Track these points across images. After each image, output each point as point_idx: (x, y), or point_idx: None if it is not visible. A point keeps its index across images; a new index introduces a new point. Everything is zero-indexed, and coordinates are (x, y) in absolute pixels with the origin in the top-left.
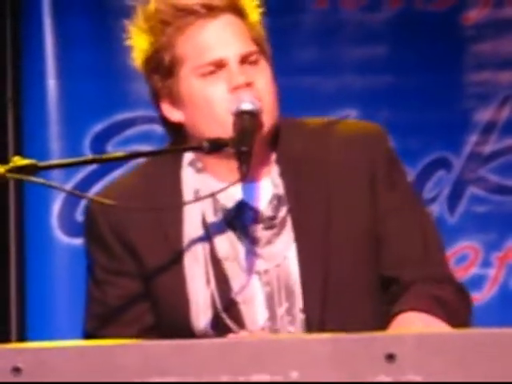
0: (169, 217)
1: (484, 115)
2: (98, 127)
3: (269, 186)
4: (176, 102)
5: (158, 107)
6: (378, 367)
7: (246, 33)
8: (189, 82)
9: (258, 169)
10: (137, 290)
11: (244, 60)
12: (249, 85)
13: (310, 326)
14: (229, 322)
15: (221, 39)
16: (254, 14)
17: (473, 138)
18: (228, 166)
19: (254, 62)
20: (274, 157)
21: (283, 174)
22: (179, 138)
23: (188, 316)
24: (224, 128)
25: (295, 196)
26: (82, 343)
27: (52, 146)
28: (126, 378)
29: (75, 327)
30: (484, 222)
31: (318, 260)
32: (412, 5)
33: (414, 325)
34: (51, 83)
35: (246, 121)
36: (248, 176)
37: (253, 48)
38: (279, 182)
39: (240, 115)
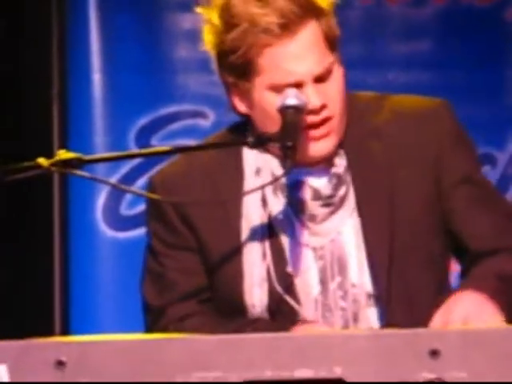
0: (229, 193)
1: None
2: (143, 121)
3: (329, 164)
4: (246, 100)
5: (227, 94)
6: (422, 363)
7: (323, 40)
8: (263, 93)
9: (321, 146)
10: (195, 263)
11: (319, 79)
12: (324, 106)
13: (378, 299)
14: (285, 296)
15: (299, 61)
16: (329, 7)
17: None
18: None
19: (328, 78)
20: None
21: (347, 149)
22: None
23: (241, 289)
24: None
25: (359, 172)
26: (126, 337)
27: (97, 139)
28: (170, 373)
29: (119, 321)
30: None
31: (383, 235)
32: (457, 0)
33: (464, 308)
34: (96, 77)
35: (291, 116)
36: (313, 161)
37: (328, 61)
38: (340, 160)
39: (284, 110)
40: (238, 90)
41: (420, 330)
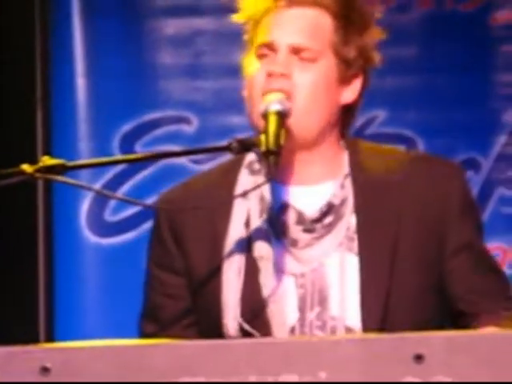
0: (219, 216)
1: None
2: (127, 127)
3: (327, 192)
4: (245, 78)
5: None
6: (407, 368)
7: (324, 32)
8: (250, 59)
9: (317, 174)
10: (180, 287)
11: (296, 52)
12: (284, 75)
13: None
14: (254, 320)
15: (282, 26)
16: (357, 19)
17: (501, 139)
18: (284, 168)
19: (310, 60)
20: (344, 168)
21: (356, 188)
22: None
23: (219, 314)
24: (255, 111)
25: (365, 212)
26: (111, 343)
27: (81, 145)
28: (155, 379)
29: (104, 327)
30: None
31: (380, 283)
32: (441, 5)
33: None
34: (80, 83)
35: (274, 122)
36: (304, 179)
37: (314, 45)
38: (340, 192)
39: (268, 116)
40: (244, 68)
41: (405, 335)
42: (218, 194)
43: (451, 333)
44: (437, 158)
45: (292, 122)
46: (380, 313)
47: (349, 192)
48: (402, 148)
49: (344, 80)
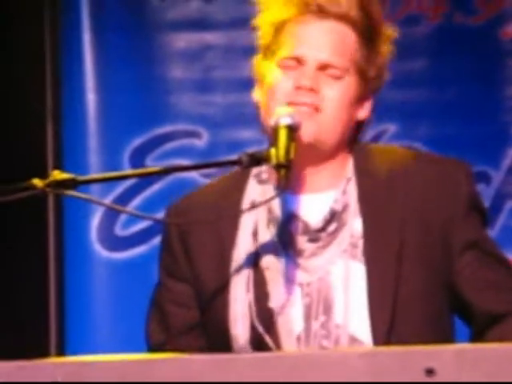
0: (226, 226)
1: None
2: (137, 141)
3: (329, 200)
4: (260, 83)
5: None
6: (418, 382)
7: (350, 49)
8: (270, 68)
9: (322, 182)
10: (189, 297)
11: (323, 68)
12: (312, 90)
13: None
14: (263, 331)
15: (312, 41)
16: (378, 38)
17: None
18: (292, 179)
19: (336, 77)
20: (347, 172)
21: (360, 192)
22: None
23: (227, 324)
24: (270, 119)
25: (370, 216)
26: (121, 358)
27: (91, 160)
28: None
29: (114, 341)
30: None
31: (388, 290)
32: (451, 19)
33: None
34: (90, 97)
35: (284, 135)
36: (310, 188)
37: (340, 63)
38: (341, 198)
39: (278, 129)
40: (260, 74)
41: (415, 349)
42: (225, 204)
43: (462, 346)
44: (443, 157)
45: (316, 134)
46: (388, 319)
47: (351, 197)
48: (406, 148)
49: (362, 97)
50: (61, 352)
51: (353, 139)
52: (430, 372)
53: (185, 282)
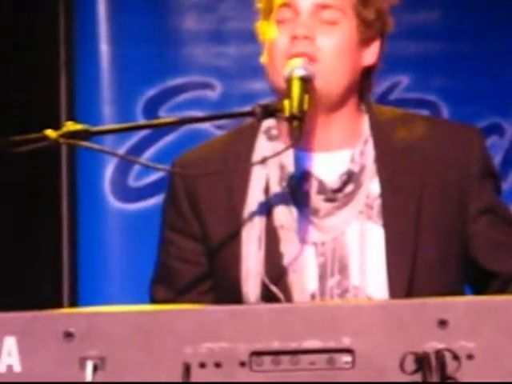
0: (235, 182)
1: None
2: (151, 92)
3: (345, 160)
4: (264, 45)
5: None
6: (431, 333)
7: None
8: (270, 27)
9: (336, 140)
10: (196, 253)
11: (320, 10)
12: (307, 38)
13: None
14: (275, 288)
15: None
16: None
17: None
18: (305, 135)
19: (332, 22)
20: (364, 132)
21: (378, 154)
22: None
23: (238, 281)
24: (278, 76)
25: (388, 177)
26: (134, 308)
27: (104, 111)
28: (178, 344)
29: (127, 292)
30: None
31: (406, 254)
32: None
33: None
34: (104, 48)
35: (297, 87)
36: (323, 145)
37: (336, 3)
38: (359, 159)
39: (291, 81)
40: (262, 35)
41: (428, 300)
42: (235, 160)
43: (474, 298)
44: (456, 123)
45: (317, 84)
46: (406, 283)
47: (368, 158)
48: (422, 113)
49: (364, 42)
50: (74, 303)
51: (365, 88)
52: (442, 323)
53: (192, 239)
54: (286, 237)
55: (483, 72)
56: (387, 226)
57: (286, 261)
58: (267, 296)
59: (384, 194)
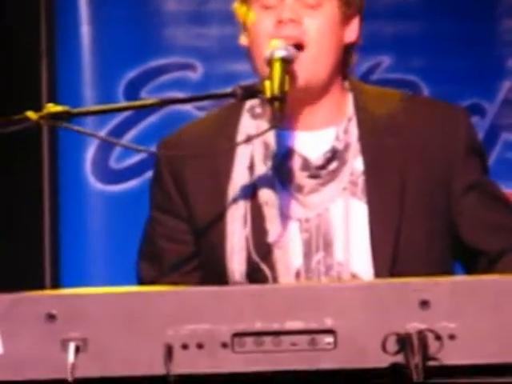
0: (221, 162)
1: None
2: (132, 74)
3: (330, 137)
4: (244, 27)
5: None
6: (413, 314)
7: None
8: (252, 10)
9: (322, 117)
10: (182, 232)
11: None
12: (293, 21)
13: None
14: (262, 265)
15: None
16: None
17: (506, 84)
18: (289, 114)
19: (315, 5)
20: (348, 110)
21: (361, 131)
22: None
23: (224, 258)
24: (261, 58)
25: (373, 164)
26: (116, 290)
27: (85, 92)
28: (160, 325)
29: (109, 274)
30: None
31: (390, 224)
32: None
33: None
34: (85, 30)
35: (279, 68)
36: (307, 124)
37: None
38: (343, 136)
39: (273, 62)
40: (243, 16)
41: (410, 280)
42: (219, 139)
43: (456, 278)
44: (441, 101)
45: (304, 67)
46: (390, 258)
47: (352, 136)
48: (406, 92)
49: (345, 20)
50: (56, 284)
51: (346, 64)
52: (424, 304)
53: (179, 218)
54: (270, 214)
55: (464, 52)
56: (371, 202)
57: (271, 237)
58: (253, 273)
59: (368, 172)
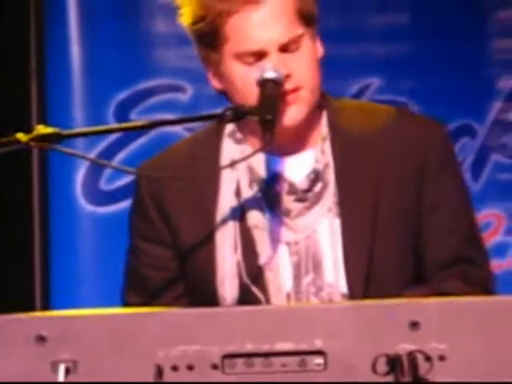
0: (206, 186)
1: (508, 82)
2: (122, 95)
3: (310, 159)
4: (218, 74)
5: (205, 71)
6: (402, 335)
7: (293, 12)
8: (231, 64)
9: (301, 141)
10: (166, 259)
11: (285, 48)
12: (288, 76)
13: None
14: (254, 288)
15: (263, 29)
16: None
17: (497, 105)
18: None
19: (295, 49)
20: (322, 130)
21: (335, 150)
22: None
23: (214, 283)
24: (252, 101)
25: (344, 173)
26: (106, 311)
27: (75, 114)
28: (151, 346)
29: (99, 295)
30: (508, 189)
31: (363, 243)
32: None
33: None
34: (75, 52)
35: (269, 89)
36: (289, 147)
37: (295, 32)
38: (321, 157)
39: (263, 83)
40: (210, 63)
41: (400, 302)
42: (202, 163)
43: (446, 299)
44: (417, 114)
45: (308, 111)
46: (363, 276)
47: (329, 156)
48: (382, 105)
49: (314, 39)
50: (46, 306)
51: None
52: (414, 325)
53: (163, 246)
54: (260, 237)
55: (454, 74)
56: (344, 220)
57: (261, 260)
58: (245, 297)
59: (340, 189)
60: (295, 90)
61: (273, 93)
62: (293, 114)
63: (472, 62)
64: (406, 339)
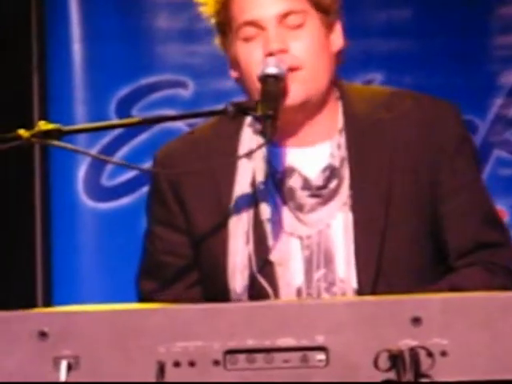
0: (223, 176)
1: (509, 78)
2: (123, 91)
3: (325, 154)
4: (232, 61)
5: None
6: (404, 331)
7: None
8: (235, 44)
9: (317, 132)
10: (182, 246)
11: (283, 21)
12: (283, 51)
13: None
14: (263, 282)
15: (261, 2)
16: None
17: (498, 101)
18: (285, 129)
19: (299, 26)
20: (339, 121)
21: (349, 143)
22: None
23: (225, 274)
24: (256, 92)
25: (359, 168)
26: (108, 308)
27: (77, 110)
28: (152, 342)
29: (101, 291)
30: (510, 184)
31: (375, 235)
32: None
33: None
34: (76, 48)
35: (271, 85)
36: (304, 140)
37: (296, 6)
38: (337, 152)
39: (264, 79)
40: (227, 50)
41: (402, 298)
42: (220, 152)
43: (448, 295)
44: (429, 97)
45: (302, 86)
46: (374, 267)
47: (345, 151)
48: (393, 89)
49: (329, 29)
50: (47, 303)
51: (335, 72)
52: (416, 320)
53: (179, 232)
54: (272, 230)
55: (456, 69)
56: (356, 211)
57: (272, 254)
58: (255, 290)
59: (353, 181)
60: (293, 69)
61: (274, 88)
62: (291, 94)
63: (474, 57)
64: (408, 335)
